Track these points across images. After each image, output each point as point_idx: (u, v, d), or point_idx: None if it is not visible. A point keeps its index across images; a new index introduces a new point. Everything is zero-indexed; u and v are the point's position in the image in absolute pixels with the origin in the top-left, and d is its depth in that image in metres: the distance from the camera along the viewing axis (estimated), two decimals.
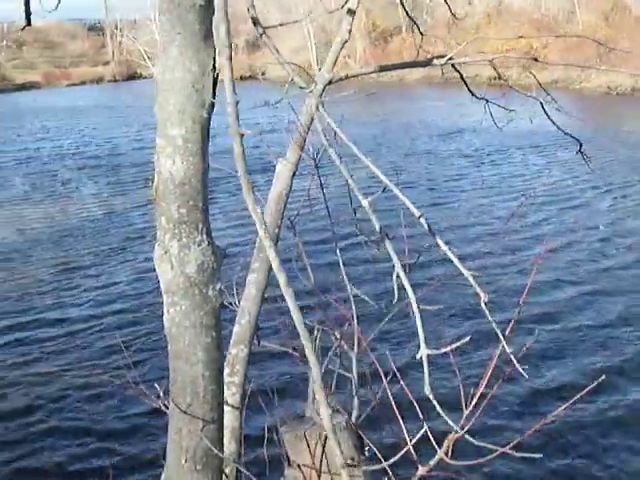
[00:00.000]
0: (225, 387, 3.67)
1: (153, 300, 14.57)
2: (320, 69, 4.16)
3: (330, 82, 3.87)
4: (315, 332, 4.07)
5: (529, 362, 10.69)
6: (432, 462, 2.61)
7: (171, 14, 2.83)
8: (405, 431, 2.77)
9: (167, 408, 3.57)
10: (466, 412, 2.62)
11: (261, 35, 2.32)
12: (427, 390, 2.06)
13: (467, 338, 2.08)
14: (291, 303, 1.95)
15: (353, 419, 3.74)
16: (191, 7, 2.82)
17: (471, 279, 2.19)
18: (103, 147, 37.42)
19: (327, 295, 4.84)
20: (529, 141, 31.11)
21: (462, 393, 2.75)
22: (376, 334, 4.43)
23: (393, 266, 2.16)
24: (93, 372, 11.52)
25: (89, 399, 10.98)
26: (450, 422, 2.30)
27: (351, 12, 4.74)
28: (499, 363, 2.75)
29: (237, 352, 4.35)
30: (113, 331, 13.09)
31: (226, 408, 3.74)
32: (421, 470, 2.62)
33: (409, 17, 6.83)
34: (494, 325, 2.39)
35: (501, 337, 2.40)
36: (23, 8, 3.99)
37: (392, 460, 2.52)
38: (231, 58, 2.04)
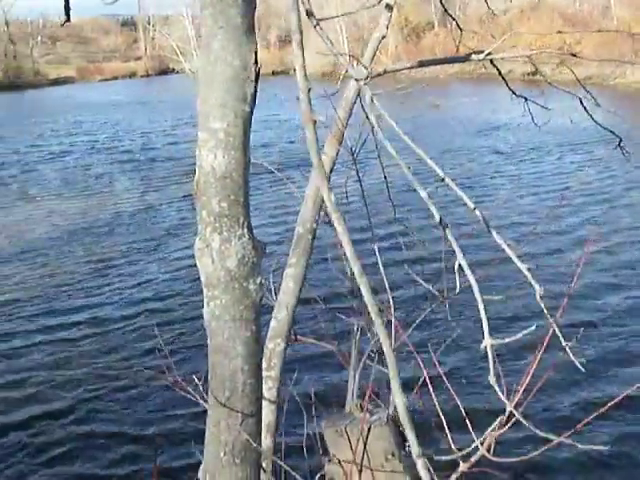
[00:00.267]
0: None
1: (189, 296, 14.63)
2: (352, 65, 4.15)
3: (368, 77, 3.85)
4: (355, 328, 4.06)
5: (577, 351, 10.56)
6: (473, 458, 2.59)
7: (214, 8, 2.83)
8: (446, 426, 2.75)
9: (205, 402, 3.59)
10: (513, 402, 2.59)
11: (315, 27, 2.31)
12: (492, 380, 2.05)
13: (532, 327, 2.06)
14: (364, 288, 1.93)
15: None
16: (234, 1, 2.82)
17: (526, 272, 2.18)
18: (136, 142, 37.64)
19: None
20: (565, 138, 30.76)
21: (505, 389, 2.72)
22: (414, 328, 4.39)
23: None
24: (131, 368, 11.58)
25: (127, 395, 11.02)
26: (510, 407, 2.28)
27: (389, 7, 4.73)
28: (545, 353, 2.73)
29: (274, 346, 4.36)
30: (149, 327, 13.07)
31: (262, 402, 3.75)
32: (462, 466, 2.60)
33: (447, 13, 6.78)
34: (549, 318, 2.36)
35: (557, 331, 2.38)
36: (63, 4, 4.00)
37: (431, 453, 2.49)
38: (302, 44, 2.04)
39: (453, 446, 2.69)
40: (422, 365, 3.42)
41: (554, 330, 2.32)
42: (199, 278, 3.05)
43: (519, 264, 2.07)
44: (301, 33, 2.10)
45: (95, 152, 35.06)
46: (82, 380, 11.56)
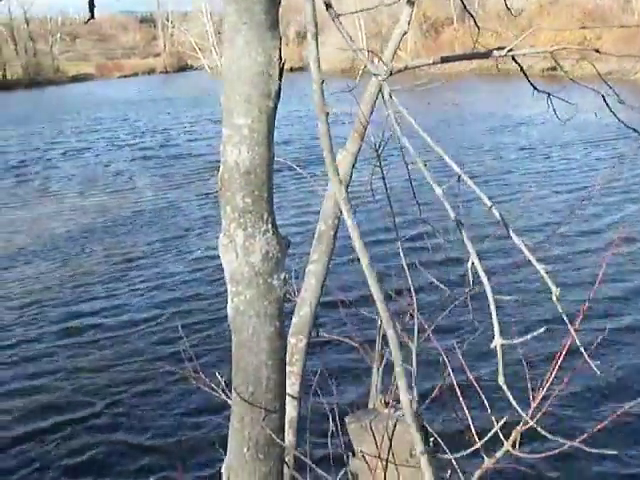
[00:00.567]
0: None
1: (211, 294, 14.65)
2: (372, 60, 4.14)
3: (391, 73, 3.84)
4: (379, 324, 4.06)
5: (599, 356, 10.51)
6: (498, 454, 2.59)
7: (238, 5, 2.83)
8: (471, 422, 2.75)
9: (228, 397, 3.60)
10: (534, 404, 2.59)
11: (334, 20, 2.30)
12: (501, 380, 2.04)
13: (542, 329, 2.05)
14: (373, 285, 1.93)
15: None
16: None
17: (543, 272, 2.16)
18: (157, 138, 37.75)
19: (388, 287, 4.82)
20: (587, 134, 30.50)
21: (529, 385, 2.72)
22: (438, 326, 4.39)
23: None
24: (154, 366, 11.59)
25: (151, 396, 11.01)
26: (521, 412, 2.27)
27: (410, 3, 4.72)
28: (568, 356, 2.72)
29: (296, 342, 4.36)
30: (171, 322, 13.12)
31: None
32: (487, 462, 2.60)
33: (466, 10, 6.74)
34: (565, 318, 2.35)
35: (571, 330, 2.37)
36: (87, 1, 4.02)
37: (460, 454, 2.50)
38: (317, 36, 2.03)
39: (478, 441, 2.68)
40: (446, 361, 3.42)
41: (573, 334, 2.31)
42: (222, 276, 3.06)
43: (536, 264, 2.06)
44: (316, 25, 2.10)
45: (116, 149, 35.20)
46: (104, 382, 11.53)
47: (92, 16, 4.04)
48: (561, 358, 2.67)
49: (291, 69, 70.45)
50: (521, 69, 4.86)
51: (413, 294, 4.11)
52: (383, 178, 4.32)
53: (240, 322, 3.14)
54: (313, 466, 3.38)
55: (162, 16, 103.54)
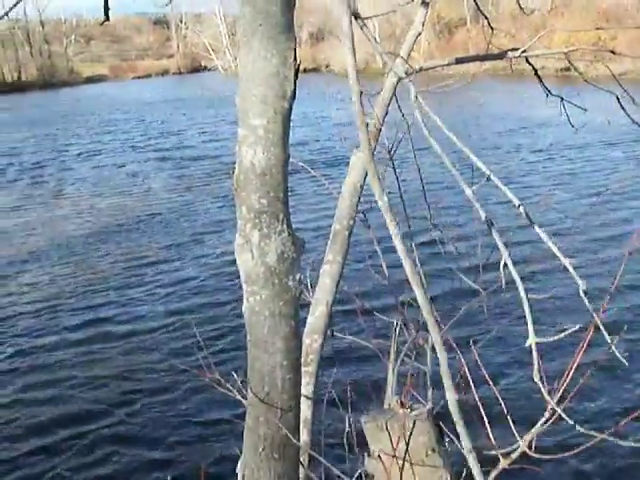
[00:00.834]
0: None
1: (225, 294, 14.67)
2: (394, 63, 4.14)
3: (406, 74, 3.85)
4: (395, 326, 4.07)
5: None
6: (514, 455, 2.59)
7: (254, 6, 2.85)
8: (487, 421, 2.75)
9: (243, 397, 3.61)
10: (554, 399, 2.59)
11: (362, 29, 2.33)
12: (536, 378, 2.06)
13: (576, 327, 2.06)
14: (416, 285, 1.94)
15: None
16: None
17: (570, 267, 2.18)
18: (171, 140, 37.83)
19: (401, 287, 4.83)
20: (603, 135, 30.24)
21: (545, 385, 2.71)
22: (455, 323, 4.39)
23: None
24: (169, 367, 11.61)
25: (166, 395, 11.02)
26: (551, 402, 2.27)
27: (425, 4, 4.73)
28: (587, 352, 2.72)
29: (311, 342, 4.38)
30: (187, 324, 13.08)
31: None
32: (503, 462, 2.60)
33: (480, 11, 6.75)
34: (593, 314, 2.35)
35: (601, 327, 2.37)
36: (102, 3, 4.04)
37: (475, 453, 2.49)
38: (354, 48, 2.05)
39: (494, 442, 2.69)
40: (463, 359, 3.42)
41: (596, 327, 2.31)
42: (236, 276, 3.08)
43: (562, 259, 2.07)
44: (352, 38, 2.11)
45: (130, 150, 35.29)
46: (119, 380, 11.56)
47: (107, 18, 4.06)
48: (580, 354, 2.67)
49: (304, 70, 70.54)
50: (535, 72, 4.85)
51: (428, 294, 4.11)
52: (397, 179, 4.33)
53: (255, 322, 3.15)
54: (329, 465, 3.38)
55: (176, 17, 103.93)
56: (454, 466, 3.45)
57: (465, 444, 1.87)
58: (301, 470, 3.62)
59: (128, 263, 17.46)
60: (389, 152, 4.33)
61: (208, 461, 9.03)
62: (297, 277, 3.11)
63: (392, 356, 4.19)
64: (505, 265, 2.05)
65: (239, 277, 3.09)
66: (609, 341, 2.28)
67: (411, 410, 3.50)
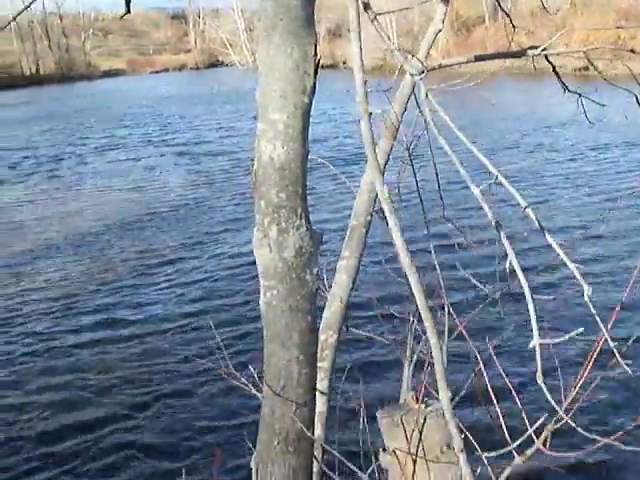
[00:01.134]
0: None
1: (241, 289, 14.63)
2: (408, 60, 4.13)
3: (424, 71, 3.83)
4: (411, 322, 4.08)
5: (631, 357, 10.38)
6: (529, 452, 2.59)
7: (275, 1, 2.85)
8: (502, 419, 2.75)
9: (258, 391, 3.63)
10: (565, 403, 2.59)
11: (372, 21, 2.32)
12: (539, 380, 2.05)
13: (580, 330, 2.06)
14: (413, 280, 1.95)
15: None
16: None
17: (575, 271, 2.16)
18: (187, 135, 37.82)
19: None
20: (622, 136, 29.88)
21: (561, 384, 2.72)
22: (468, 321, 4.38)
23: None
24: (186, 363, 11.62)
25: (180, 385, 11.04)
26: (558, 409, 2.27)
27: (445, 1, 4.71)
28: (600, 356, 2.71)
29: (326, 337, 4.38)
30: (202, 319, 13.02)
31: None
32: (517, 459, 2.61)
33: (501, 9, 6.72)
34: (597, 319, 2.35)
35: (604, 330, 2.36)
36: None
37: (491, 452, 2.50)
38: (360, 38, 2.06)
39: (509, 439, 2.69)
40: (478, 357, 3.42)
41: (606, 335, 2.31)
42: (252, 273, 3.09)
43: (569, 263, 2.07)
44: (359, 26, 2.11)
45: (146, 145, 35.32)
46: (133, 375, 11.56)
47: (128, 10, 4.07)
48: (593, 358, 2.67)
49: (322, 66, 70.39)
50: (553, 69, 4.83)
51: (444, 292, 4.12)
52: (415, 176, 4.33)
53: (272, 316, 3.17)
54: (343, 459, 3.39)
55: (193, 12, 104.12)
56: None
57: (456, 443, 1.87)
58: (315, 464, 3.63)
59: (143, 259, 17.43)
60: (407, 149, 4.32)
61: (222, 454, 9.02)
62: (314, 272, 3.12)
63: (408, 352, 4.20)
64: (511, 265, 2.05)
65: (255, 274, 3.09)
66: (614, 351, 2.27)
67: (426, 406, 3.51)
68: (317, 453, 3.86)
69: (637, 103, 4.84)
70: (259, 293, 3.16)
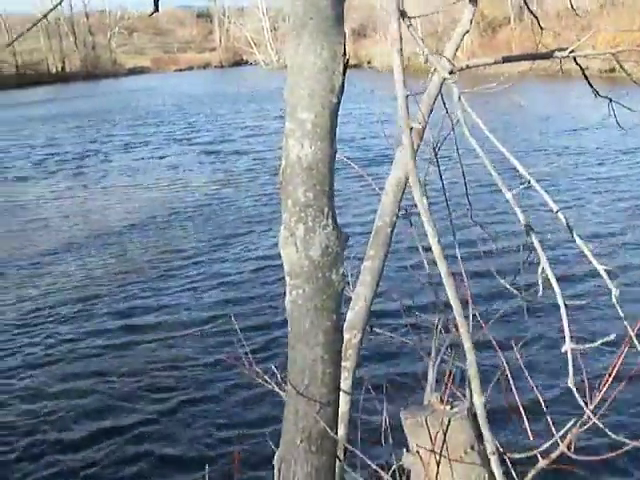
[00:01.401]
0: None
1: (265, 289, 14.59)
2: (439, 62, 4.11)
3: (451, 72, 3.83)
4: (436, 323, 4.07)
5: None
6: (554, 455, 2.58)
7: (306, 0, 2.86)
8: (526, 422, 2.74)
9: (281, 390, 3.63)
10: (591, 406, 2.57)
11: (408, 27, 2.32)
12: (571, 384, 2.05)
13: (612, 336, 2.05)
14: (447, 282, 1.95)
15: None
16: None
17: (603, 272, 2.16)
18: (212, 133, 37.88)
19: (443, 287, 4.80)
20: None
21: (587, 387, 2.70)
22: (494, 324, 4.37)
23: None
24: (206, 357, 11.62)
25: (202, 384, 11.02)
26: (587, 409, 2.26)
27: (474, 2, 4.69)
28: (627, 359, 2.69)
29: (350, 337, 4.37)
30: (224, 316, 12.90)
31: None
32: (542, 462, 2.59)
33: (529, 10, 6.69)
34: (624, 321, 2.34)
35: (630, 331, 2.35)
36: None
37: (518, 456, 2.49)
38: (402, 51, 2.05)
39: (533, 442, 2.68)
40: (503, 359, 3.41)
41: (632, 336, 2.30)
42: (276, 273, 3.09)
43: (597, 265, 2.06)
44: (401, 40, 2.11)
45: (171, 142, 35.44)
46: (155, 370, 11.55)
47: (157, 9, 4.09)
48: (620, 360, 2.65)
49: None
50: (582, 71, 4.80)
51: (469, 292, 4.10)
52: (441, 177, 4.31)
53: (297, 315, 3.17)
54: (365, 459, 3.39)
55: (219, 11, 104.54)
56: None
57: (489, 446, 1.87)
58: (337, 464, 3.63)
59: (167, 260, 17.36)
60: (434, 149, 4.31)
61: (244, 453, 8.99)
62: (340, 271, 3.11)
63: (433, 353, 4.18)
64: (543, 270, 2.04)
65: (279, 274, 3.10)
66: None
67: (451, 407, 3.50)
68: (339, 452, 3.86)
69: None
70: (284, 295, 3.16)
